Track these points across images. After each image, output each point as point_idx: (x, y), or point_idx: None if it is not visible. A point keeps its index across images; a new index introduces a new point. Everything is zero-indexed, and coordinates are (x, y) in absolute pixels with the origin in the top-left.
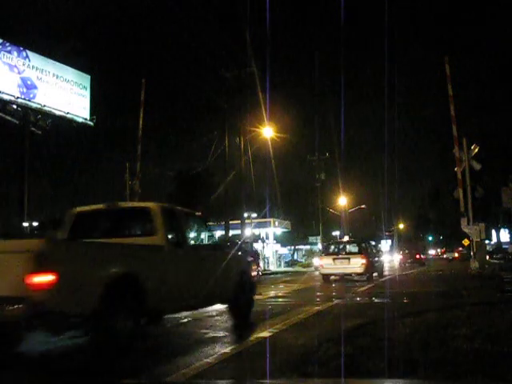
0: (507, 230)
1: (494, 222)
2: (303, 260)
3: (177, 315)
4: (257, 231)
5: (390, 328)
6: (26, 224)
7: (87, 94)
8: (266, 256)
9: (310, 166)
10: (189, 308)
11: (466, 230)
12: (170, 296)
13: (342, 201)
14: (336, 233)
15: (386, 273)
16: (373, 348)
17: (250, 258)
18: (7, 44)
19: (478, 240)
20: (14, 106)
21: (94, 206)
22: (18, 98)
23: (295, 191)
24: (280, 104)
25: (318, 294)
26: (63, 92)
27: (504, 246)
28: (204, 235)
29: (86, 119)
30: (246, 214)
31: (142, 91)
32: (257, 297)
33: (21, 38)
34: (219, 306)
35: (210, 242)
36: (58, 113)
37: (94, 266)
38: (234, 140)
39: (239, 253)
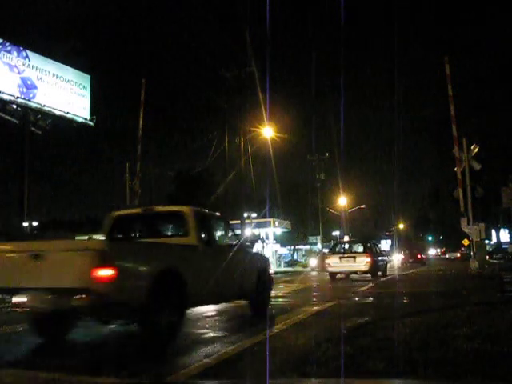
0: (507, 230)
1: (494, 221)
2: (303, 260)
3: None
4: (257, 231)
5: (390, 328)
6: (25, 224)
7: (87, 94)
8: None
9: (310, 166)
10: (217, 302)
11: (465, 230)
12: (203, 290)
13: (342, 201)
14: (336, 233)
15: (388, 272)
16: (373, 348)
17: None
18: (7, 44)
19: (478, 240)
20: (14, 106)
21: (131, 210)
22: (17, 97)
23: (295, 191)
24: (280, 104)
25: (318, 294)
26: (63, 92)
27: (504, 246)
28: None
29: (85, 119)
30: (245, 214)
31: (142, 91)
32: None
33: (21, 38)
34: (219, 306)
35: (234, 242)
36: (57, 113)
37: (145, 262)
38: (234, 140)
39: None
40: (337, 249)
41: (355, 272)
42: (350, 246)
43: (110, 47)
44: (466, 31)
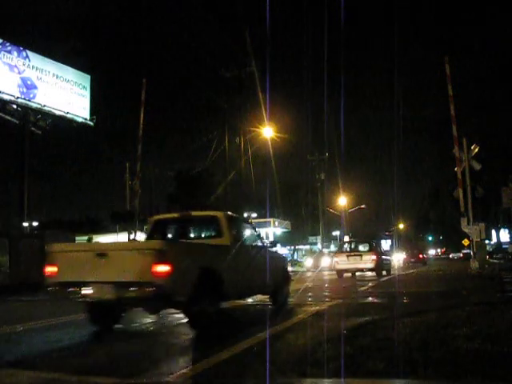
0: (507, 230)
1: (493, 221)
2: (303, 260)
3: (176, 315)
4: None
5: (390, 328)
6: (26, 224)
7: (87, 94)
8: None
9: (310, 166)
10: (245, 296)
11: (466, 230)
12: (235, 285)
13: (342, 201)
14: (336, 233)
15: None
16: (373, 348)
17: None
18: (7, 44)
19: (478, 240)
20: (14, 106)
21: (169, 215)
22: (18, 97)
23: (295, 191)
24: (280, 104)
25: (318, 294)
26: (63, 92)
27: (504, 246)
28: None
29: (85, 119)
30: (245, 214)
31: (143, 91)
32: (256, 297)
33: (21, 38)
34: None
35: (258, 243)
36: (57, 113)
37: (193, 260)
38: (234, 140)
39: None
40: (344, 248)
41: (361, 270)
42: (357, 246)
43: (109, 47)
44: (466, 31)
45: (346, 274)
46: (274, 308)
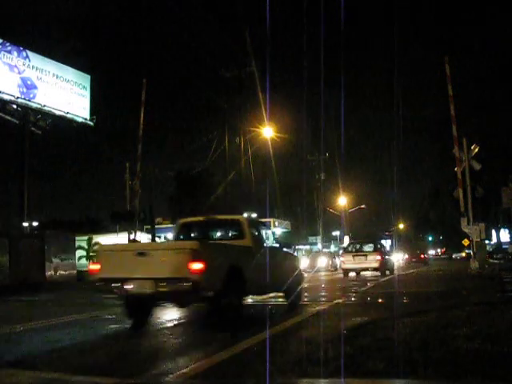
0: (507, 230)
1: (493, 221)
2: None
3: (174, 316)
4: None
5: (390, 328)
6: (26, 224)
7: (87, 94)
8: None
9: (309, 166)
10: (264, 293)
11: (466, 230)
12: (256, 282)
13: (342, 201)
14: (336, 233)
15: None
16: (373, 348)
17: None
18: (7, 44)
19: (478, 240)
20: (14, 106)
21: (195, 218)
22: (18, 97)
23: (295, 191)
24: (280, 104)
25: (318, 294)
26: (63, 92)
27: (504, 246)
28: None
29: (85, 119)
30: (245, 214)
31: (143, 91)
32: (256, 297)
33: (21, 38)
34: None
35: (275, 244)
36: (57, 113)
37: (222, 258)
38: (234, 140)
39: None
40: (350, 248)
41: (366, 269)
42: (362, 246)
43: (109, 47)
44: (466, 31)
45: (351, 274)
46: (287, 305)
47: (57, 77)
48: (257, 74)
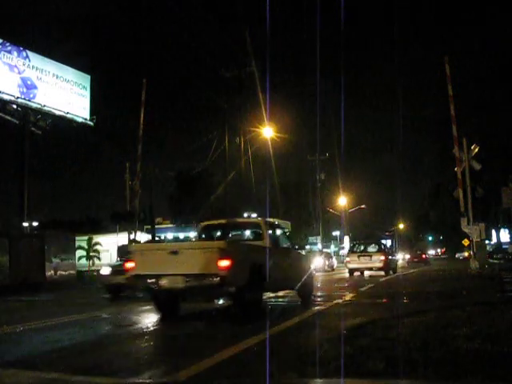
0: (507, 230)
1: (494, 222)
2: None
3: (173, 316)
4: None
5: (390, 328)
6: (26, 224)
7: (87, 94)
8: None
9: (310, 166)
10: (280, 289)
11: (466, 230)
12: (274, 280)
13: (342, 201)
14: (336, 233)
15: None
16: (373, 348)
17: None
18: (7, 44)
19: (478, 240)
20: (14, 106)
21: (217, 221)
22: (18, 97)
23: (295, 191)
24: (280, 104)
25: (318, 294)
26: (63, 92)
27: (504, 246)
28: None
29: (85, 119)
30: (245, 214)
31: (143, 91)
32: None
33: (21, 38)
34: (213, 306)
35: (289, 245)
36: (57, 113)
37: (246, 256)
38: (234, 140)
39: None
40: (355, 249)
41: (371, 269)
42: (366, 247)
43: (110, 47)
44: (466, 31)
45: (356, 273)
46: (300, 302)
47: (57, 77)
48: (257, 74)
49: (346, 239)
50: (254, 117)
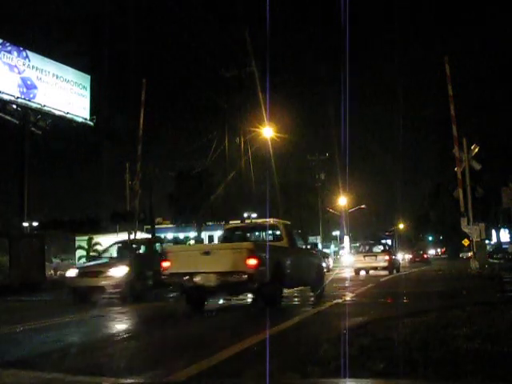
0: (507, 230)
1: (494, 222)
2: None
3: (171, 316)
4: None
5: (390, 328)
6: (26, 224)
7: (87, 93)
8: None
9: (309, 166)
10: (297, 286)
11: (466, 230)
12: (292, 277)
13: (342, 201)
14: (336, 233)
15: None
16: (373, 348)
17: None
18: (7, 44)
19: (478, 240)
20: (14, 106)
21: (240, 224)
22: (18, 97)
23: (295, 191)
24: (280, 104)
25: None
26: (63, 92)
27: (504, 246)
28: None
29: (85, 119)
30: (245, 214)
31: (143, 91)
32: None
33: (21, 38)
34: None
35: (304, 245)
36: (57, 113)
37: (270, 256)
38: (234, 140)
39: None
40: (360, 249)
41: (376, 268)
42: (371, 247)
43: (110, 47)
44: (466, 31)
45: (362, 272)
46: (314, 298)
47: (57, 77)
48: (257, 74)
49: (346, 239)
50: (254, 117)
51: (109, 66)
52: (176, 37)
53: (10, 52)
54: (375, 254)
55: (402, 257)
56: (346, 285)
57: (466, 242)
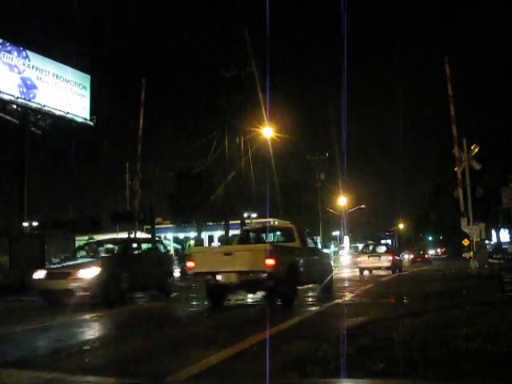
0: (507, 230)
1: (493, 222)
2: None
3: (172, 316)
4: None
5: (390, 328)
6: (26, 224)
7: (87, 94)
8: None
9: (309, 166)
10: (308, 283)
11: (466, 230)
12: (304, 275)
13: (342, 201)
14: (336, 233)
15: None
16: (373, 348)
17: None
18: (7, 44)
19: (478, 240)
20: (14, 106)
21: (255, 226)
22: (18, 97)
23: (295, 191)
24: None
25: (317, 294)
26: (63, 92)
27: (504, 246)
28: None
29: (85, 119)
30: (246, 214)
31: (143, 91)
32: (256, 297)
33: (21, 38)
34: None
35: (314, 245)
36: (57, 113)
37: (286, 256)
38: (234, 140)
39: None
40: (365, 250)
41: (380, 268)
42: (375, 247)
43: (110, 47)
44: (466, 31)
45: (365, 272)
46: (323, 295)
47: (57, 77)
48: (257, 74)
49: (346, 239)
50: (254, 117)
51: (109, 66)
52: (176, 37)
53: (10, 52)
54: (379, 255)
55: (407, 257)
56: (346, 285)
57: (466, 242)
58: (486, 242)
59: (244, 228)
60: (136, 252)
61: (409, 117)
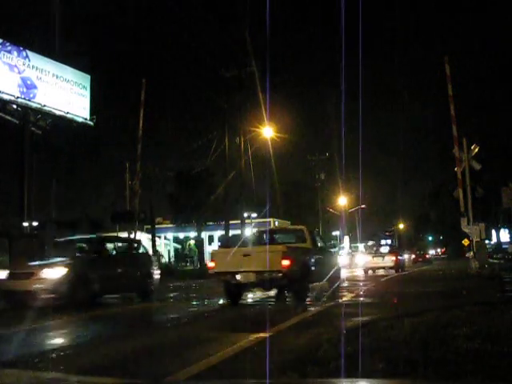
0: (507, 230)
1: (494, 222)
2: None
3: (171, 316)
4: None
5: (390, 328)
6: (26, 224)
7: (87, 93)
8: None
9: (309, 166)
10: (317, 281)
11: (466, 230)
12: (315, 274)
13: (342, 201)
14: (336, 233)
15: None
16: (373, 348)
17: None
18: (7, 44)
19: (478, 240)
20: (14, 106)
21: (268, 228)
22: (18, 97)
23: (295, 191)
24: (280, 104)
25: (318, 294)
26: (63, 92)
27: (504, 246)
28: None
29: (85, 119)
30: (245, 214)
31: (143, 91)
32: (256, 298)
33: (21, 38)
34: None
35: (323, 245)
36: (57, 113)
37: (299, 256)
38: (234, 140)
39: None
40: (369, 250)
41: (383, 267)
42: (379, 248)
43: (110, 47)
44: (466, 31)
45: (369, 272)
46: (330, 292)
47: (57, 77)
48: (257, 74)
49: (346, 239)
50: (253, 117)
51: (109, 66)
52: (176, 37)
53: (9, 52)
54: (383, 255)
55: (409, 257)
56: (347, 285)
57: (466, 242)
58: (486, 241)
59: (258, 229)
60: (110, 252)
61: (409, 117)
